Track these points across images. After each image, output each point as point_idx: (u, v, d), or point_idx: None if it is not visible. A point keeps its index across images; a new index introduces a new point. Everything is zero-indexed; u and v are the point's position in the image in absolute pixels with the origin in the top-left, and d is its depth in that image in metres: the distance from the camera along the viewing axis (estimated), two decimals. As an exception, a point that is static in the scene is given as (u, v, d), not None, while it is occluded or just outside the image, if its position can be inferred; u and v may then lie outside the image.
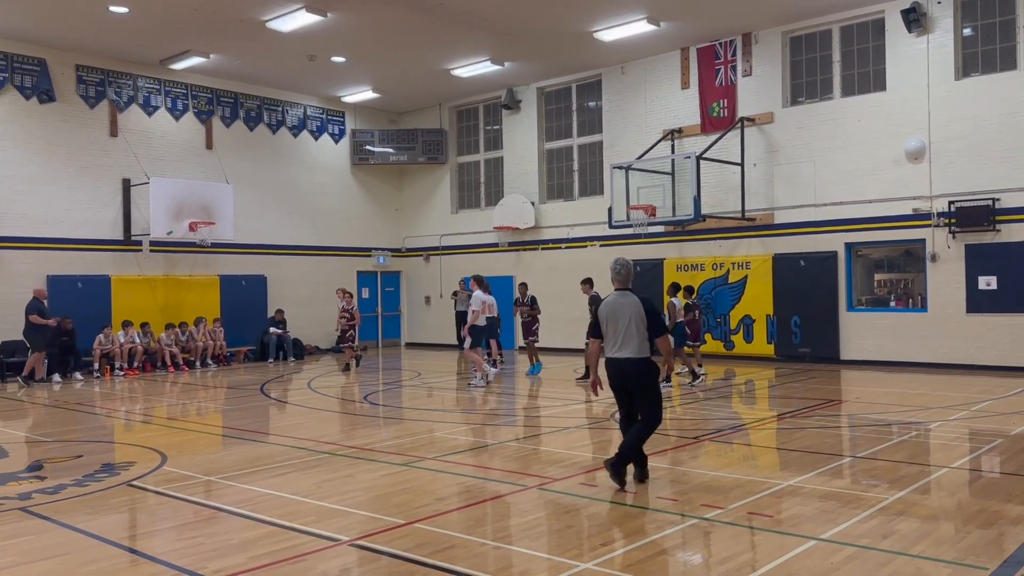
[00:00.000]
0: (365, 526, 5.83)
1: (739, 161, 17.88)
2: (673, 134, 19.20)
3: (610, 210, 18.19)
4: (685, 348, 14.22)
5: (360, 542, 5.46)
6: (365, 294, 24.41)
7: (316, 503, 6.48)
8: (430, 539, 5.48)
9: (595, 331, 7.13)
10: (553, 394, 13.47)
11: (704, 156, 17.15)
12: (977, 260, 15.37)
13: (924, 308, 16.14)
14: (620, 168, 18.13)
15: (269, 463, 8.15)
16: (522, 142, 22.36)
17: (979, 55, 15.57)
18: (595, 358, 7.27)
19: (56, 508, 6.49)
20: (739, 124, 17.99)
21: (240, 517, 6.15)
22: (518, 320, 18.10)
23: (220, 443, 9.55)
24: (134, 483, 7.33)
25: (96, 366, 17.34)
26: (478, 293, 14.43)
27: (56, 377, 16.55)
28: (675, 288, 14.43)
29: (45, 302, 16.22)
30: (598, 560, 5.00)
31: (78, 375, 17.00)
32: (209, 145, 20.74)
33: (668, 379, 13.05)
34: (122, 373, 17.47)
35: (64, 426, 11.05)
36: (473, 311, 14.16)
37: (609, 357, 6.95)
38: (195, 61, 19.06)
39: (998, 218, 15.07)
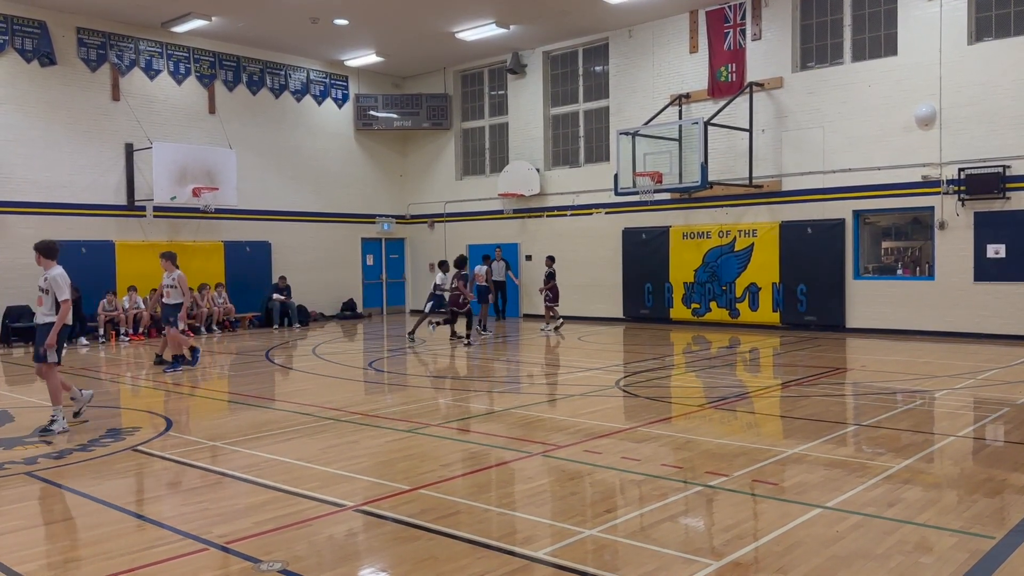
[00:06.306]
0: (370, 492, 5.84)
1: (747, 127, 17.65)
2: (680, 99, 18.97)
3: (616, 177, 18.04)
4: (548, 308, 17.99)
5: (365, 508, 5.47)
6: (370, 261, 24.38)
7: (321, 468, 6.49)
8: (434, 505, 5.48)
9: None
10: (559, 361, 13.47)
11: (712, 122, 16.96)
12: (986, 228, 15.23)
13: (931, 276, 16.04)
14: (627, 134, 17.95)
15: (274, 429, 8.17)
16: (527, 107, 22.13)
17: (993, 19, 15.28)
18: None
19: (62, 473, 6.52)
20: (748, 89, 17.75)
21: (245, 482, 6.16)
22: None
23: (225, 408, 9.58)
24: (140, 448, 7.36)
25: (101, 332, 17.39)
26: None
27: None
28: (461, 259, 16.03)
29: None
30: (601, 527, 5.00)
31: (83, 340, 17.04)
32: (212, 109, 20.56)
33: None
34: (127, 339, 17.53)
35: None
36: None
37: None
38: (197, 24, 18.82)
39: (1008, 186, 14.92)
